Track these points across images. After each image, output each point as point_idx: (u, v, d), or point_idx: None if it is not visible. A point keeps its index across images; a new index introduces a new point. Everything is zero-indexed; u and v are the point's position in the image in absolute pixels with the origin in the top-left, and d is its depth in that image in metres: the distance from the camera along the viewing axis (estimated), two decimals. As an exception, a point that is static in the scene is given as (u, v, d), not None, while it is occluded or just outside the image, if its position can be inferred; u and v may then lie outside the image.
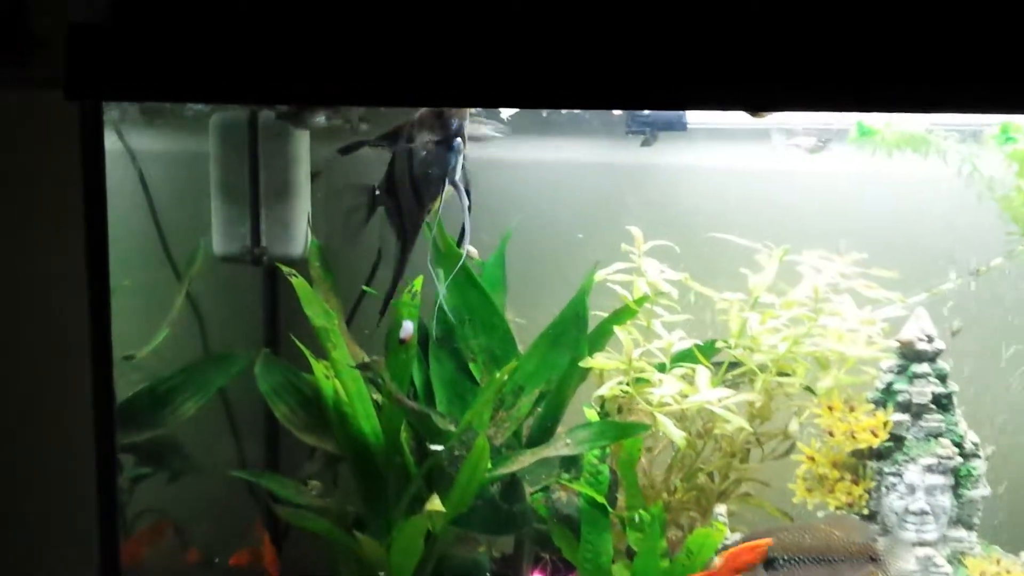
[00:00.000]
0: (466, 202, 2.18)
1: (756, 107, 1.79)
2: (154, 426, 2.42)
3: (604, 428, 2.18)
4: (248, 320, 2.68)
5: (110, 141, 2.58)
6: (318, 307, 2.21)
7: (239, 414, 2.65)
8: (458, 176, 2.15)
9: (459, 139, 2.13)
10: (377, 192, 2.27)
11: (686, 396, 2.15)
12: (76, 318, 2.13)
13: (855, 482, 2.15)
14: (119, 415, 2.41)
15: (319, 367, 2.27)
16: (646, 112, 2.46)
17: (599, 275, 2.37)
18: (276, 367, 2.46)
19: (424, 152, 2.14)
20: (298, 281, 2.20)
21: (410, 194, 2.18)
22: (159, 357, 2.52)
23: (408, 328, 2.21)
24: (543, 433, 2.41)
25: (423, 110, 2.20)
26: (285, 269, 2.22)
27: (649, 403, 2.20)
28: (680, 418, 2.24)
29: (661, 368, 2.29)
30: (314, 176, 2.60)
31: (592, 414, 2.31)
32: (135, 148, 2.62)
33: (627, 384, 2.21)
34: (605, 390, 2.20)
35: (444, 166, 2.12)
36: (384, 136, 2.23)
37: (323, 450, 2.41)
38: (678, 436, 2.10)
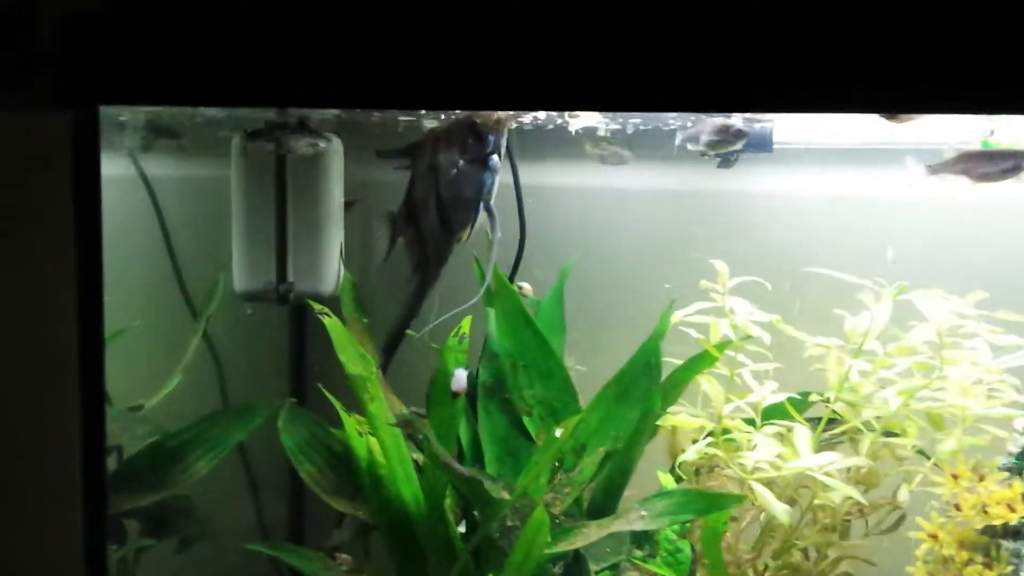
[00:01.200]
0: (498, 233, 1.87)
1: (895, 109, 1.47)
2: (162, 487, 2.12)
3: (688, 498, 1.85)
4: (272, 366, 2.39)
5: (121, 167, 2.34)
6: (353, 352, 1.90)
7: (260, 473, 2.35)
8: (493, 200, 1.88)
9: (496, 157, 1.86)
10: (395, 219, 1.99)
11: (785, 460, 1.81)
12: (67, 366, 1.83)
13: (987, 565, 1.79)
14: (122, 474, 2.14)
15: (350, 422, 1.96)
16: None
17: (675, 316, 2.04)
18: (302, 420, 2.16)
19: (454, 171, 1.87)
20: (331, 322, 1.89)
21: (435, 220, 1.90)
22: (170, 408, 2.22)
23: (461, 379, 1.90)
24: (608, 500, 2.09)
25: (449, 122, 1.93)
26: (316, 307, 1.92)
27: (741, 468, 1.86)
28: (768, 482, 1.90)
29: (750, 424, 1.96)
30: (348, 204, 2.30)
31: (668, 479, 1.98)
32: (149, 174, 2.35)
33: (715, 444, 1.88)
34: (692, 454, 1.86)
35: (478, 187, 1.85)
36: (401, 151, 1.95)
37: (354, 517, 2.09)
38: (782, 511, 1.76)
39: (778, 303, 2.11)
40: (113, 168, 2.27)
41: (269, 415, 2.18)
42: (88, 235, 1.61)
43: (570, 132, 2.22)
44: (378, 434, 1.91)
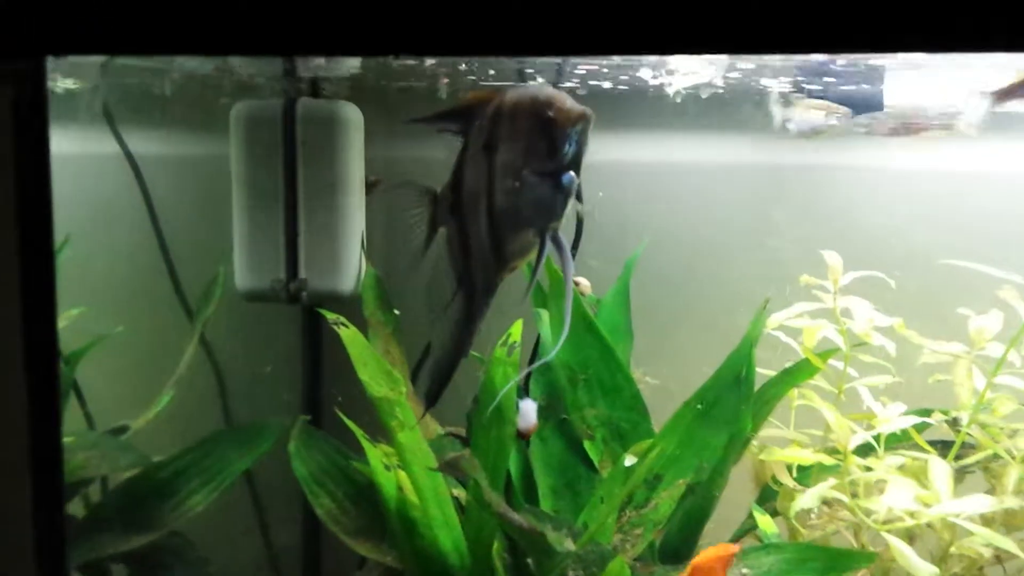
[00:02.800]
0: (571, 269, 1.40)
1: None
2: (152, 527, 1.77)
3: (804, 555, 1.48)
4: (282, 378, 2.02)
5: (95, 142, 1.98)
6: (376, 369, 1.54)
7: (268, 506, 1.99)
8: (563, 227, 1.36)
9: (572, 173, 1.32)
10: (437, 201, 1.46)
11: (922, 504, 1.43)
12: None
13: None
14: (103, 512, 1.79)
15: (375, 454, 1.60)
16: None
17: (772, 320, 1.67)
18: (318, 445, 1.81)
19: (512, 179, 1.35)
20: (349, 333, 1.54)
21: (485, 236, 1.41)
22: (161, 429, 1.86)
23: (530, 414, 1.54)
24: (685, 540, 1.75)
25: (518, 93, 1.38)
26: (330, 316, 1.56)
27: (867, 513, 1.49)
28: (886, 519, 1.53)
29: (866, 450, 1.59)
30: (370, 185, 1.93)
31: (767, 522, 1.61)
32: (134, 151, 1.99)
33: (835, 480, 1.50)
34: (812, 499, 1.48)
35: (543, 211, 1.34)
36: (448, 114, 1.41)
37: (380, 563, 1.73)
38: (928, 573, 1.38)
39: (882, 298, 1.75)
40: (85, 143, 1.92)
41: (279, 437, 1.83)
42: (35, 221, 1.25)
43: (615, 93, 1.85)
44: (409, 469, 1.55)
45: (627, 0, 1.09)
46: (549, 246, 1.36)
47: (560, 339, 1.70)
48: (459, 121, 1.40)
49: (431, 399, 1.47)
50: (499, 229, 1.38)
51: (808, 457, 1.53)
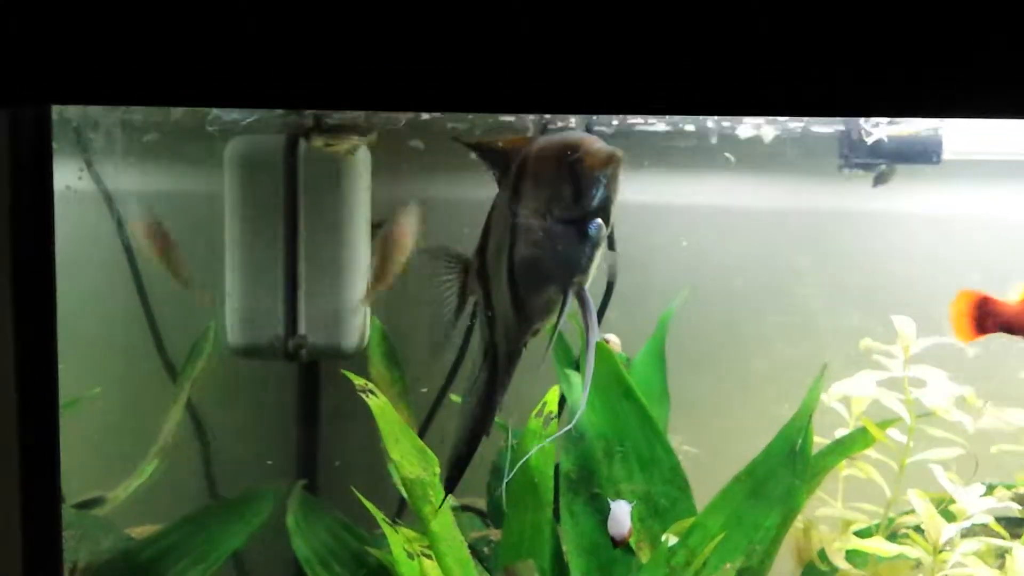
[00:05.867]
0: (595, 329, 1.23)
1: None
2: (131, 617, 1.56)
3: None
4: (277, 444, 1.83)
5: (68, 176, 1.78)
6: (409, 447, 1.37)
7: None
8: (588, 282, 1.22)
9: (599, 220, 1.19)
10: (468, 267, 1.32)
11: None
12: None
13: None
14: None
15: (397, 539, 1.42)
16: (877, 132, 1.66)
17: (833, 389, 1.53)
18: (321, 519, 1.65)
19: (536, 229, 1.22)
20: (378, 404, 1.36)
21: (506, 295, 1.27)
22: (142, 503, 1.66)
23: (623, 519, 1.37)
24: (731, 630, 1.58)
25: (540, 142, 1.25)
26: (357, 380, 1.38)
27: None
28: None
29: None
30: (375, 227, 1.76)
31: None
32: (110, 187, 1.79)
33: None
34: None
35: (572, 263, 1.20)
36: (487, 150, 1.27)
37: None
38: None
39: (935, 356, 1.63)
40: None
41: (274, 508, 1.64)
42: (33, 280, 1.06)
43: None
44: (443, 561, 1.37)
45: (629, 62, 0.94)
46: (572, 301, 1.21)
47: (581, 406, 1.53)
48: (495, 162, 1.26)
49: (452, 481, 1.33)
50: (520, 286, 1.24)
51: (892, 549, 1.39)
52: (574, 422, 1.56)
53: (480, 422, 1.32)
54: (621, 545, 1.39)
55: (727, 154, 1.68)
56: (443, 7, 0.95)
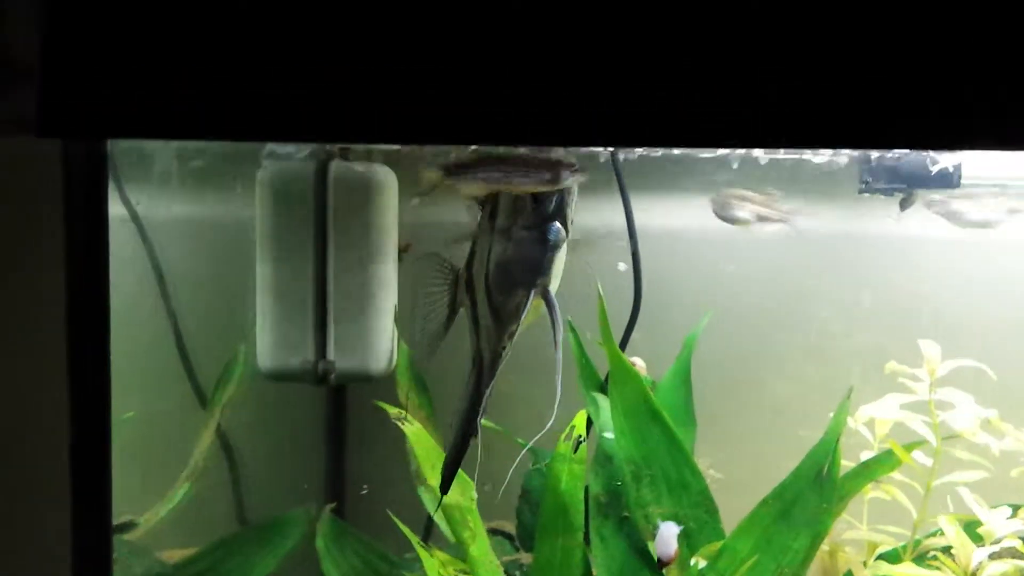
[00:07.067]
0: (560, 331, 1.36)
1: None
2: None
3: None
4: (306, 468, 1.84)
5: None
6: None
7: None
8: (553, 282, 1.36)
9: (556, 224, 1.33)
10: (458, 279, 1.45)
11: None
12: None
13: None
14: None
15: (432, 563, 1.43)
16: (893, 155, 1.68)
17: (860, 412, 1.55)
18: (351, 543, 1.65)
19: (506, 240, 1.35)
20: (415, 432, 1.38)
21: (485, 303, 1.40)
22: (174, 527, 1.67)
23: (670, 540, 1.39)
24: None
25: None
26: (392, 411, 1.40)
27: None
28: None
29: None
30: (401, 250, 1.78)
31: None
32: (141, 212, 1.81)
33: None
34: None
35: (530, 267, 1.34)
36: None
37: None
38: None
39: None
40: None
41: (305, 531, 1.66)
42: (88, 312, 1.08)
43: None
44: (480, 585, 1.38)
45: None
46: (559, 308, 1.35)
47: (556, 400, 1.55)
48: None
49: (446, 482, 1.42)
50: (494, 292, 1.37)
51: (923, 574, 1.40)
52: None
53: (468, 424, 1.42)
54: (665, 567, 1.40)
55: (771, 190, 1.70)
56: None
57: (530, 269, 1.32)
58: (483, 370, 1.41)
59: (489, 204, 1.39)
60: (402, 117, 0.99)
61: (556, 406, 1.45)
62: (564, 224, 1.34)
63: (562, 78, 0.99)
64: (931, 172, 1.69)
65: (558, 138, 1.10)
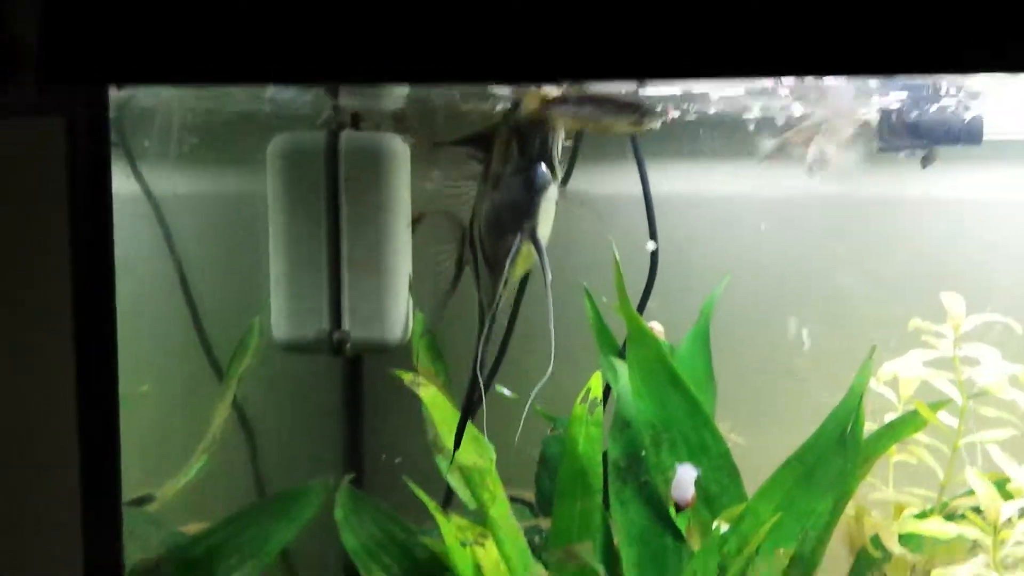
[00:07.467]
0: (548, 275, 1.34)
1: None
2: (185, 613, 1.56)
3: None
4: (323, 439, 1.84)
5: (117, 178, 1.79)
6: (465, 435, 1.36)
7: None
8: (542, 228, 1.35)
9: (542, 166, 1.33)
10: (464, 237, 1.45)
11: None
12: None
13: None
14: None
15: (449, 528, 1.41)
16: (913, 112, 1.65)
17: (883, 369, 1.52)
18: (370, 512, 1.64)
19: (496, 185, 1.36)
20: (430, 394, 1.36)
21: (481, 253, 1.40)
22: (190, 500, 1.67)
23: (687, 483, 1.37)
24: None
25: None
26: (407, 377, 1.38)
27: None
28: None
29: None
30: (415, 221, 1.76)
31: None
32: (153, 188, 1.80)
33: (981, 555, 1.35)
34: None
35: (522, 209, 1.34)
36: (469, 139, 1.40)
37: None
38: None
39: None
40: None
41: (323, 502, 1.65)
42: (93, 285, 1.07)
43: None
44: (502, 548, 1.36)
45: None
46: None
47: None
48: (480, 146, 1.39)
49: (457, 438, 1.39)
50: (486, 240, 1.37)
51: (951, 530, 1.37)
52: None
53: (473, 378, 1.40)
54: (681, 510, 1.38)
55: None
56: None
57: (517, 212, 1.33)
58: (482, 320, 1.41)
59: (487, 159, 1.39)
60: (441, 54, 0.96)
61: (552, 354, 1.44)
62: (551, 167, 1.34)
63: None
64: (952, 128, 1.67)
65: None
